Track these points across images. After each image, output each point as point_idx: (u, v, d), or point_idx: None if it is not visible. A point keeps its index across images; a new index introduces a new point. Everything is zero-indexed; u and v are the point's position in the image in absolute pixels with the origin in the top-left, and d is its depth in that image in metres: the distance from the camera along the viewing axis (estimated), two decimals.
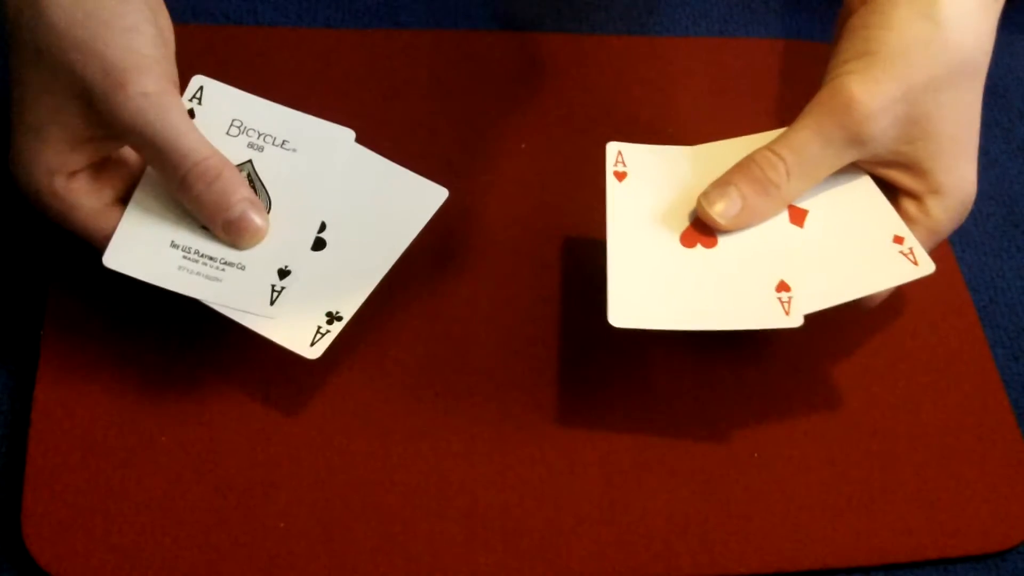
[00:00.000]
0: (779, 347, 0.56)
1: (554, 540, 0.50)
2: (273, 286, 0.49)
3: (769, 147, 0.50)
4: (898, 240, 0.50)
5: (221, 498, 0.49)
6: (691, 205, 0.51)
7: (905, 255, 0.50)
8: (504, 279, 0.57)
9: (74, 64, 0.45)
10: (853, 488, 0.52)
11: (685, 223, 0.51)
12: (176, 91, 0.47)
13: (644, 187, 0.52)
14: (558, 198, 0.60)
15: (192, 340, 0.52)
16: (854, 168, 0.51)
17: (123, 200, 0.49)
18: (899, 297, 0.59)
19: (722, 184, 0.50)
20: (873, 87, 0.48)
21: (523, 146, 0.61)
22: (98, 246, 0.48)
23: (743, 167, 0.51)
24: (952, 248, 0.62)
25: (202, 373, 0.52)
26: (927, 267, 0.50)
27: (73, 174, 0.47)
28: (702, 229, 0.51)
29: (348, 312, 0.49)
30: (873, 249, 0.50)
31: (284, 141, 0.51)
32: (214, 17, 0.64)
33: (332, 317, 0.49)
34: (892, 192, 0.52)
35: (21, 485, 0.48)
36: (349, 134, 0.52)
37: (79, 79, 0.45)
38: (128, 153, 0.49)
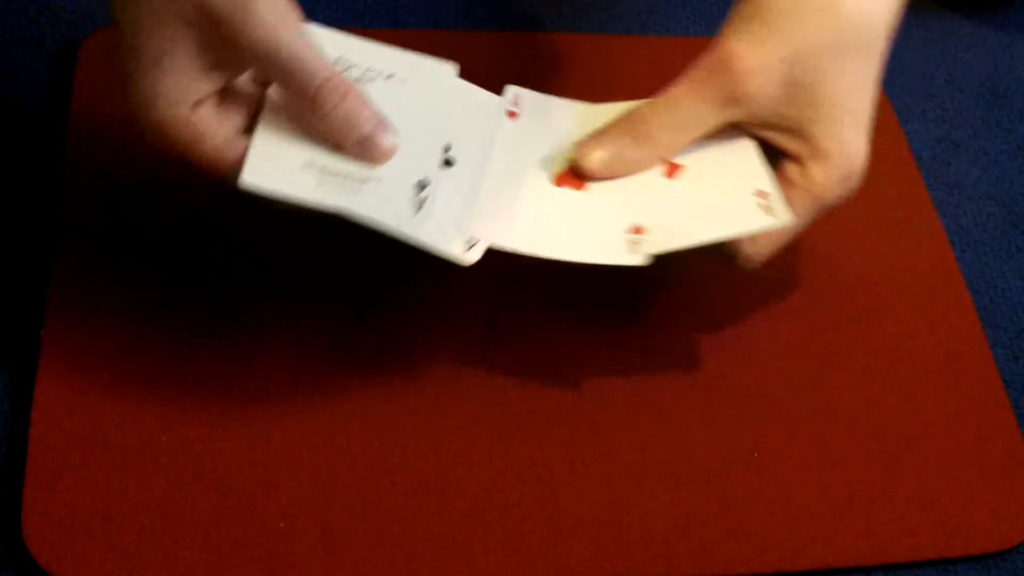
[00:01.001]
0: (779, 347, 0.56)
1: (554, 540, 0.50)
2: (414, 197, 0.49)
3: (647, 102, 0.51)
4: (761, 195, 0.49)
5: (221, 498, 0.49)
6: (571, 154, 0.51)
7: (762, 206, 0.49)
8: (504, 279, 0.57)
9: None
10: (853, 488, 0.52)
11: (562, 168, 0.51)
12: (297, 9, 0.46)
13: (532, 130, 0.52)
14: None
15: (192, 340, 0.52)
16: (737, 130, 0.51)
17: (247, 131, 0.48)
18: (899, 297, 0.59)
19: (599, 134, 0.51)
20: (754, 47, 0.48)
21: None
22: (225, 176, 0.47)
23: (621, 120, 0.51)
24: (952, 248, 0.62)
25: (202, 373, 0.52)
26: (783, 217, 0.49)
27: (198, 104, 0.46)
28: (576, 175, 0.51)
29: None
30: (733, 200, 0.50)
31: (390, 75, 0.51)
32: None
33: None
34: (777, 156, 0.51)
35: (21, 485, 0.48)
36: (452, 67, 0.52)
37: (199, 4, 0.44)
38: (246, 84, 0.48)
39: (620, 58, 0.66)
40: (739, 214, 0.49)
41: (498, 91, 0.63)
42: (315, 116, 0.47)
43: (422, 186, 0.49)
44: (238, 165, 0.46)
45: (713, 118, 0.50)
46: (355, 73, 0.50)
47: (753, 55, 0.48)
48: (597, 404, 0.54)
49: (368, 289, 0.55)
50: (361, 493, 0.50)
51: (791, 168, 0.51)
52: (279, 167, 0.47)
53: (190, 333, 0.53)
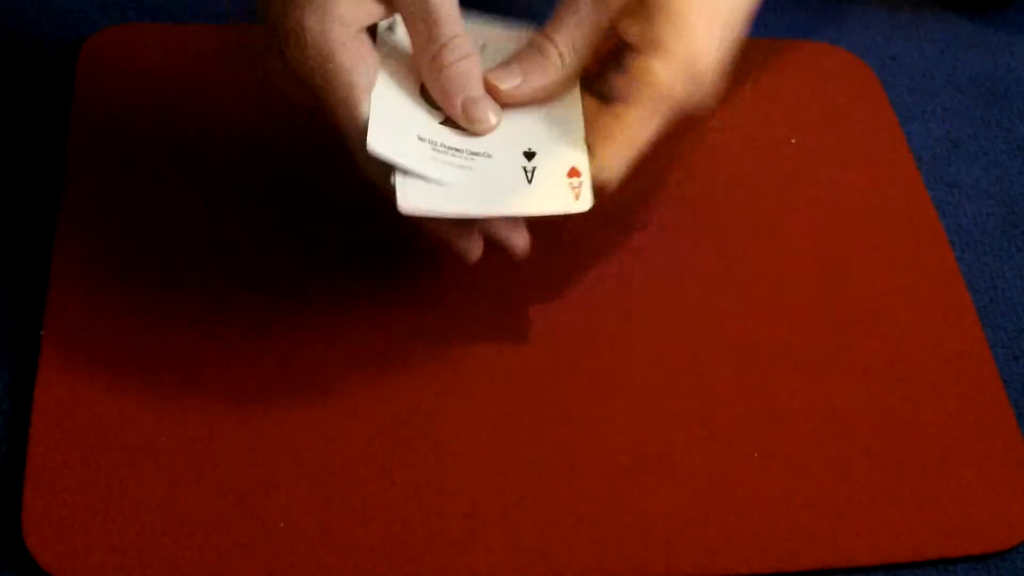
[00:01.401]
0: (779, 347, 0.56)
1: (554, 540, 0.50)
2: (524, 168, 0.49)
3: (540, 32, 0.51)
4: (573, 174, 0.49)
5: (221, 498, 0.49)
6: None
7: (572, 187, 0.49)
8: (504, 278, 0.57)
9: None
10: (853, 488, 0.52)
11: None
12: None
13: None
14: None
15: (192, 340, 0.52)
16: (574, 102, 0.51)
17: None
18: (899, 297, 0.59)
19: (512, 66, 0.50)
20: None
21: None
22: (349, 121, 0.47)
23: (526, 52, 0.50)
24: (952, 248, 0.62)
25: (202, 373, 0.52)
26: (585, 204, 0.48)
27: (360, 30, 0.47)
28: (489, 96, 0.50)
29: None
30: (544, 175, 0.49)
31: (483, 46, 0.51)
32: (215, 17, 0.64)
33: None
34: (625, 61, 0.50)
35: (21, 485, 0.48)
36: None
37: None
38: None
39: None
40: (544, 192, 0.48)
41: None
42: (434, 68, 0.48)
43: (529, 156, 0.49)
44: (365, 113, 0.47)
45: (595, 16, 0.49)
46: None
47: None
48: (597, 404, 0.54)
49: (368, 289, 0.55)
50: (361, 493, 0.50)
51: (635, 62, 0.49)
52: (397, 139, 0.47)
53: (190, 333, 0.53)
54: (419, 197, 0.46)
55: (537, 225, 0.57)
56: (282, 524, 0.48)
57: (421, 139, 0.48)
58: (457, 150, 0.48)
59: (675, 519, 0.51)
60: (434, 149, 0.48)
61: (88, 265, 0.54)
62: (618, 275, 0.58)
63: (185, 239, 0.55)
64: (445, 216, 0.47)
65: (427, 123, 0.48)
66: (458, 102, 0.48)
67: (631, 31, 0.49)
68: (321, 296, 0.55)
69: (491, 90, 0.50)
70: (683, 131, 0.51)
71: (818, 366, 0.56)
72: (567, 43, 0.50)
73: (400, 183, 0.46)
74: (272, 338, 0.53)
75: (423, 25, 0.47)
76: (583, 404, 0.53)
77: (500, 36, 0.52)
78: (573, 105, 0.51)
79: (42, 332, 0.52)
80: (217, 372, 0.52)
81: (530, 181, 0.48)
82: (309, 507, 0.49)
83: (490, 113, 0.49)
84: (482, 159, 0.48)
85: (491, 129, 0.49)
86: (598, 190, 0.49)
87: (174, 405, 0.51)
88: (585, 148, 0.49)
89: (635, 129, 0.49)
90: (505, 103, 0.50)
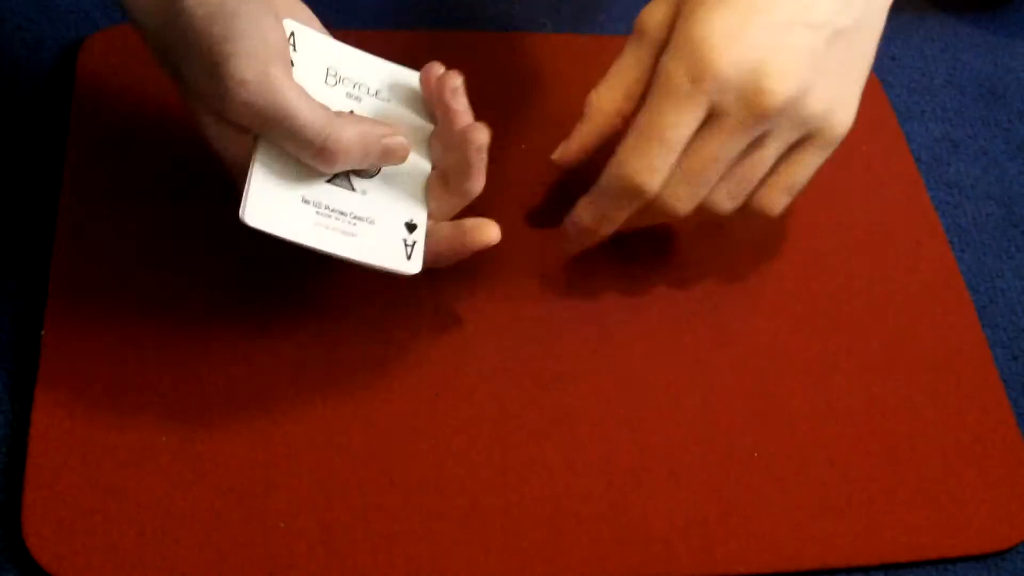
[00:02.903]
0: (779, 347, 0.56)
1: (554, 540, 0.50)
2: (405, 240, 0.50)
3: (598, 86, 0.54)
4: (410, 228, 0.50)
5: (221, 498, 0.49)
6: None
7: (407, 243, 0.50)
8: (504, 279, 0.57)
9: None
10: (853, 488, 0.52)
11: None
12: (279, 60, 0.46)
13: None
14: (558, 198, 0.60)
15: (192, 340, 0.52)
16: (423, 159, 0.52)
17: None
18: (899, 297, 0.59)
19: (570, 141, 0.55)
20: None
21: (523, 146, 0.61)
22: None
23: (589, 122, 0.54)
24: (952, 248, 0.62)
25: (202, 373, 0.52)
26: (414, 266, 0.50)
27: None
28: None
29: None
30: (385, 226, 0.50)
31: (377, 91, 0.52)
32: None
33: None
34: None
35: (21, 485, 0.48)
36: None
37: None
38: None
39: None
40: (381, 244, 0.50)
41: (503, 92, 0.64)
42: (325, 163, 0.48)
43: (411, 228, 0.50)
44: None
45: (630, 60, 0.53)
46: (344, 88, 0.51)
47: (650, 3, 0.52)
48: (597, 404, 0.54)
49: (369, 289, 0.55)
50: (361, 493, 0.50)
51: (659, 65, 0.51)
52: (278, 206, 0.48)
53: (190, 333, 0.53)
54: (262, 216, 0.47)
55: (537, 225, 0.57)
56: (282, 524, 0.48)
57: (306, 201, 0.48)
58: (342, 213, 0.49)
59: (675, 519, 0.51)
60: (318, 213, 0.48)
61: (88, 265, 0.54)
62: (618, 276, 0.58)
63: (185, 239, 0.55)
64: (280, 238, 0.47)
65: (313, 184, 0.49)
66: (371, 162, 0.49)
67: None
68: (321, 296, 0.55)
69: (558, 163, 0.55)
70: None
71: (818, 366, 0.56)
72: (606, 89, 0.53)
73: (251, 196, 0.47)
74: (272, 338, 0.53)
75: (292, 144, 0.47)
76: (583, 404, 0.53)
77: (392, 78, 0.52)
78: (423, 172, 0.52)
79: (42, 332, 0.52)
80: (217, 372, 0.52)
81: (409, 257, 0.50)
82: (309, 507, 0.49)
83: (400, 146, 0.49)
84: (365, 224, 0.49)
85: (407, 153, 0.50)
86: (635, 189, 0.51)
87: (174, 405, 0.51)
88: (425, 216, 0.51)
89: (647, 120, 0.50)
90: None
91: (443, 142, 0.51)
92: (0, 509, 0.48)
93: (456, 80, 0.50)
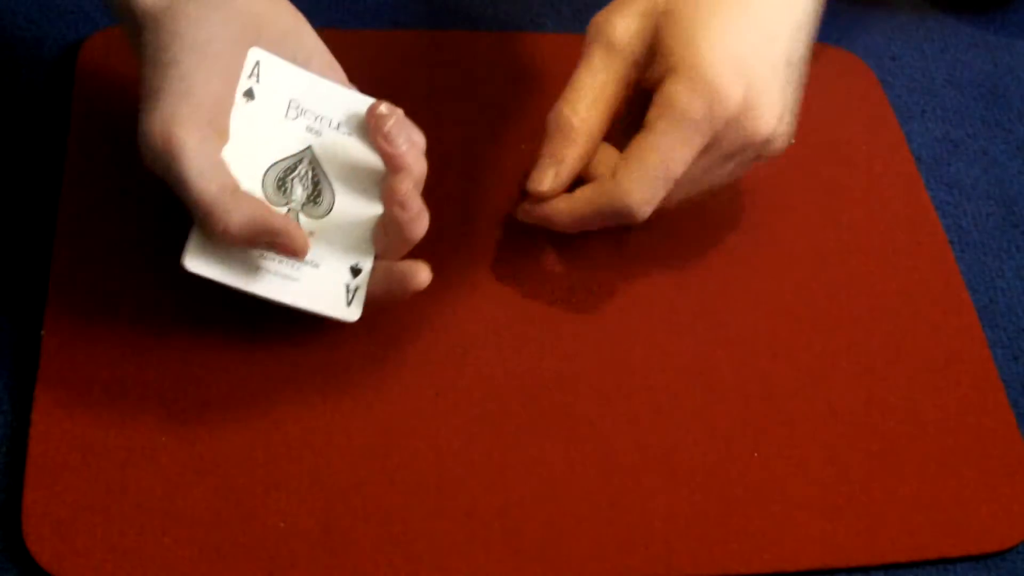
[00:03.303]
0: (779, 347, 0.56)
1: (554, 540, 0.50)
2: (347, 286, 0.50)
3: (558, 101, 0.53)
4: (355, 271, 0.50)
5: (221, 498, 0.49)
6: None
7: (349, 288, 0.50)
8: (504, 279, 0.57)
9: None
10: (853, 488, 0.52)
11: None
12: (192, 121, 0.46)
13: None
14: None
15: (193, 340, 0.52)
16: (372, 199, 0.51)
17: None
18: (899, 297, 0.59)
19: (536, 163, 0.53)
20: (617, 7, 0.52)
21: (523, 146, 0.61)
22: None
23: (546, 133, 0.53)
24: (952, 248, 0.62)
25: (202, 373, 0.52)
26: (354, 313, 0.50)
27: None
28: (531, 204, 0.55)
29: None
30: (327, 271, 0.50)
31: (339, 124, 0.51)
32: None
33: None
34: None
35: (21, 485, 0.48)
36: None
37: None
38: None
39: None
40: (322, 290, 0.50)
41: (503, 92, 0.64)
42: (213, 237, 0.48)
43: (355, 272, 0.50)
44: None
45: (612, 75, 0.52)
46: (306, 121, 0.50)
47: (612, 13, 0.52)
48: (597, 404, 0.54)
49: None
50: (361, 493, 0.50)
51: (656, 92, 0.51)
52: (220, 251, 0.48)
53: (190, 333, 0.53)
54: (203, 262, 0.48)
55: (537, 225, 0.57)
56: (282, 524, 0.48)
57: (246, 250, 0.48)
58: (283, 259, 0.49)
59: (675, 519, 0.51)
60: (262, 256, 0.48)
61: (88, 265, 0.54)
62: (618, 275, 0.58)
63: (185, 239, 0.55)
64: (222, 283, 0.48)
65: None
66: (263, 246, 0.48)
67: (654, 71, 0.51)
68: None
69: (535, 195, 0.53)
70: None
71: (818, 366, 0.56)
72: (585, 109, 0.52)
73: (193, 242, 0.48)
74: (272, 338, 0.53)
75: (187, 207, 0.47)
76: (583, 404, 0.53)
77: (357, 109, 0.51)
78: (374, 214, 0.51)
79: (42, 332, 0.52)
80: (217, 372, 0.52)
81: (349, 304, 0.50)
82: (309, 507, 0.49)
83: (302, 244, 0.48)
84: (308, 268, 0.49)
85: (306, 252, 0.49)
86: (627, 216, 0.51)
87: (174, 405, 0.51)
88: (371, 260, 0.51)
89: (655, 152, 0.50)
90: (550, 197, 0.54)
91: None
92: (0, 509, 0.48)
93: (388, 121, 0.49)
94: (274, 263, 0.49)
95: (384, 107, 0.49)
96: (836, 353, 0.57)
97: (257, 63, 0.49)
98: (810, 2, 0.52)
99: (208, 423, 0.51)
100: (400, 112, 0.49)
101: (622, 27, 0.52)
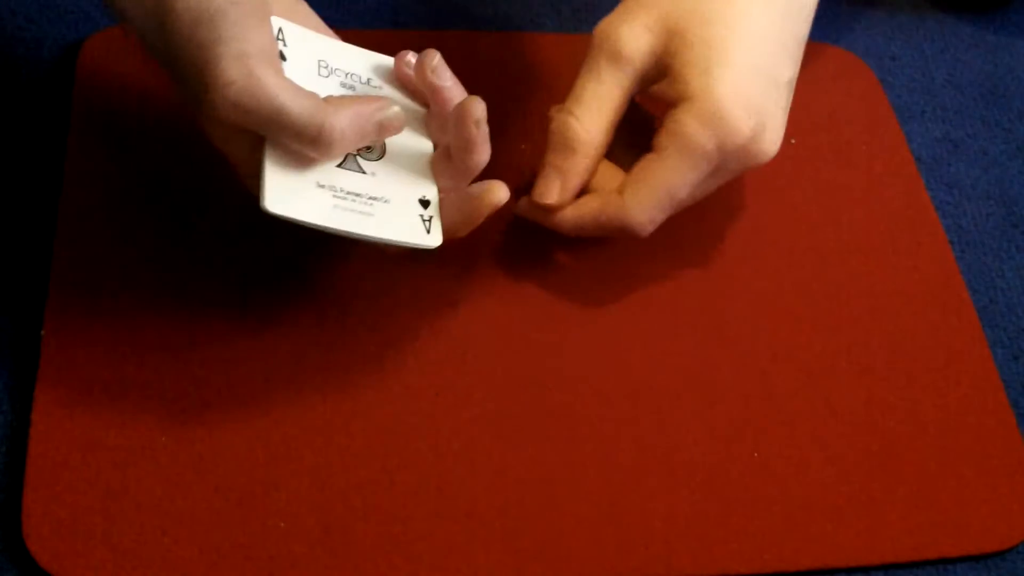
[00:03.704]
0: (779, 347, 0.56)
1: (554, 540, 0.50)
2: (421, 216, 0.50)
3: (559, 107, 0.53)
4: (423, 203, 0.51)
5: (221, 498, 0.49)
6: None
7: (423, 219, 0.50)
8: (504, 279, 0.57)
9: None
10: (853, 488, 0.52)
11: None
12: (264, 59, 0.46)
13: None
14: None
15: (192, 340, 0.52)
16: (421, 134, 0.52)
17: None
18: (899, 297, 0.59)
19: (541, 173, 0.54)
20: (622, 18, 0.52)
21: (523, 146, 0.61)
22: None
23: (550, 143, 0.53)
24: (952, 248, 0.62)
25: (202, 373, 0.52)
26: (434, 239, 0.50)
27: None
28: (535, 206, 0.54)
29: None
30: (400, 202, 0.50)
31: (368, 79, 0.52)
32: None
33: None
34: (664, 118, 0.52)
35: (21, 485, 0.48)
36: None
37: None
38: None
39: None
40: (400, 221, 0.50)
41: (503, 92, 0.64)
42: (325, 153, 0.48)
43: (424, 204, 0.50)
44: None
45: (616, 87, 0.52)
46: (338, 78, 0.51)
47: (620, 21, 0.52)
48: (597, 404, 0.54)
49: (369, 289, 0.55)
50: (361, 493, 0.50)
51: (668, 116, 0.51)
52: (295, 193, 0.48)
53: (190, 333, 0.53)
54: (284, 203, 0.47)
55: (537, 224, 0.57)
56: (282, 524, 0.48)
57: (321, 186, 0.48)
58: (357, 194, 0.49)
59: (675, 519, 0.51)
60: (335, 195, 0.48)
61: (88, 265, 0.54)
62: (618, 275, 0.58)
63: (185, 239, 0.55)
64: (304, 224, 0.48)
65: (326, 168, 0.49)
66: (368, 141, 0.49)
67: (666, 89, 0.51)
68: (321, 296, 0.55)
69: (538, 205, 0.54)
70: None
71: (818, 366, 0.56)
72: (592, 121, 0.53)
73: (269, 184, 0.47)
74: (272, 338, 0.53)
75: (288, 138, 0.47)
76: (583, 404, 0.53)
77: (381, 67, 0.53)
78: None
79: (42, 332, 0.52)
80: (217, 372, 0.52)
81: (429, 232, 0.50)
82: (309, 507, 0.49)
83: (395, 117, 0.49)
84: (380, 204, 0.49)
85: (402, 124, 0.50)
86: (629, 233, 0.52)
87: (174, 405, 0.51)
88: (435, 188, 0.51)
89: (663, 176, 0.51)
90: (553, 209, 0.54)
91: (439, 123, 0.52)
92: (0, 509, 0.48)
93: (434, 58, 0.51)
94: (347, 201, 0.49)
95: (416, 53, 0.52)
96: (836, 353, 0.57)
97: (280, 29, 0.50)
98: (811, 9, 0.53)
99: (208, 423, 0.51)
100: (438, 53, 0.51)
101: (631, 40, 0.52)
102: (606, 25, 0.53)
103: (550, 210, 0.54)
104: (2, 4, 0.64)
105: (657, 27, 0.51)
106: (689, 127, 0.50)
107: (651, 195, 0.52)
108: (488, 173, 0.54)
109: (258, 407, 0.51)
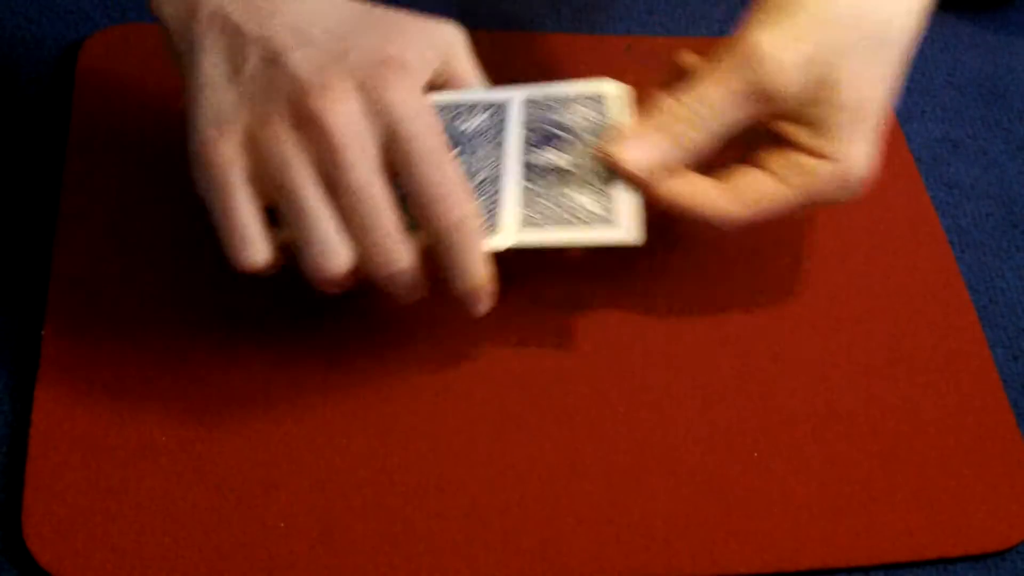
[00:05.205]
0: (779, 347, 0.56)
1: (554, 540, 0.50)
2: (608, 209, 0.48)
3: (675, 99, 0.49)
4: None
5: (221, 498, 0.49)
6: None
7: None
8: (503, 279, 0.57)
9: None
10: (853, 488, 0.53)
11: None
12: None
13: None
14: None
15: (192, 340, 0.52)
16: None
17: None
18: (899, 297, 0.59)
19: (634, 134, 0.49)
20: (780, 41, 0.47)
21: None
22: None
23: (652, 119, 0.49)
24: (952, 248, 0.62)
25: (202, 373, 0.52)
26: (637, 236, 0.48)
27: None
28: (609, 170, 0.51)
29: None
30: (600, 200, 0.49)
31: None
32: None
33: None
34: (782, 144, 0.50)
35: (21, 485, 0.48)
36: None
37: None
38: None
39: (620, 59, 0.66)
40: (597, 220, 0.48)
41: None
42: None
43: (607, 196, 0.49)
44: None
45: (739, 114, 0.49)
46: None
47: (780, 50, 0.47)
48: (597, 403, 0.54)
49: (368, 288, 0.55)
50: (361, 493, 0.50)
51: (801, 157, 0.50)
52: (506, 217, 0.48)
53: (190, 333, 0.53)
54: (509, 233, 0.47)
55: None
56: (282, 524, 0.48)
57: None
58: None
59: (675, 519, 0.51)
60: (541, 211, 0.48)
61: (88, 265, 0.54)
62: (618, 275, 0.58)
63: (185, 239, 0.55)
64: (530, 247, 0.47)
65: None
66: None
67: (797, 134, 0.50)
68: (321, 296, 0.55)
69: (616, 166, 0.48)
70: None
71: (818, 366, 0.56)
72: (703, 127, 0.49)
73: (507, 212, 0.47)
74: (272, 338, 0.53)
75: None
76: (583, 404, 0.53)
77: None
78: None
79: (42, 332, 0.52)
80: (217, 372, 0.52)
81: (609, 219, 0.48)
82: (309, 507, 0.49)
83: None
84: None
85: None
86: (710, 229, 0.50)
87: (174, 405, 0.51)
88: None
89: (771, 200, 0.50)
90: (624, 176, 0.49)
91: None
92: (0, 509, 0.48)
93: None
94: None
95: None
96: (836, 353, 0.57)
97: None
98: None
99: (208, 423, 0.51)
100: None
101: (790, 76, 0.48)
102: (762, 37, 0.48)
103: (622, 173, 0.49)
104: (2, 4, 0.64)
105: (813, 67, 0.48)
106: (822, 182, 0.49)
107: (748, 210, 0.50)
108: None
109: (258, 407, 0.51)
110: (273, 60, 0.45)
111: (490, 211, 0.48)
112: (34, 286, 0.53)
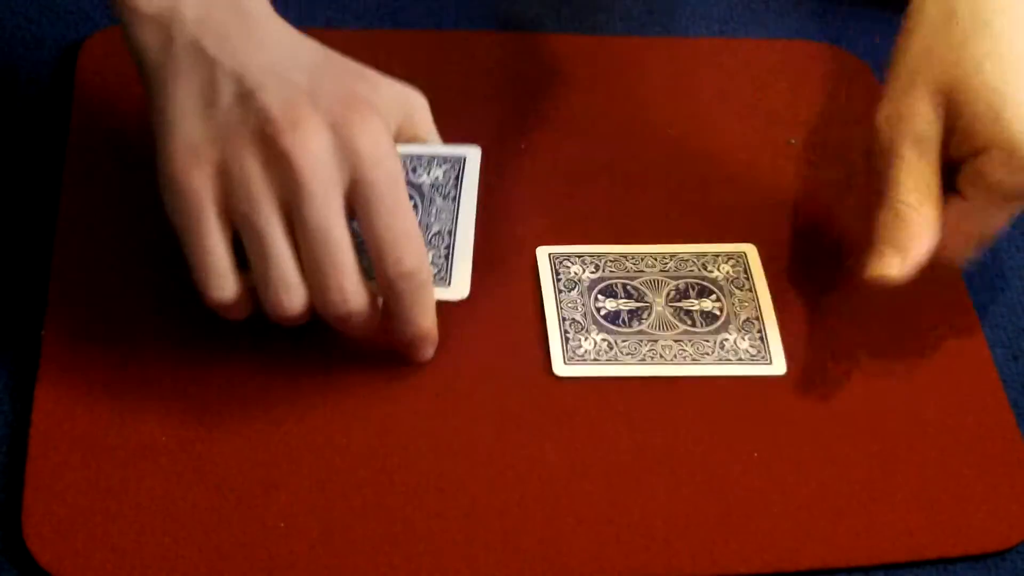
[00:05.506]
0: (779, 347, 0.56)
1: (554, 540, 0.50)
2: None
3: (899, 199, 0.52)
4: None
5: (221, 498, 0.49)
6: None
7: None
8: (503, 279, 0.57)
9: None
10: (853, 488, 0.52)
11: None
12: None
13: None
14: (558, 196, 0.60)
15: (192, 340, 0.52)
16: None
17: None
18: (899, 297, 0.59)
19: (873, 252, 0.52)
20: (898, 87, 0.52)
21: (523, 146, 0.61)
22: None
23: (884, 233, 0.52)
24: None
25: (202, 373, 0.52)
26: (778, 367, 0.55)
27: None
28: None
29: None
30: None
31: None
32: None
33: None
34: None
35: (21, 485, 0.48)
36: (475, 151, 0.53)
37: None
38: None
39: (620, 59, 0.66)
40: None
41: (503, 92, 0.64)
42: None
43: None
44: None
45: (927, 169, 0.51)
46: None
47: (911, 106, 0.51)
48: (597, 404, 0.54)
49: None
50: (361, 493, 0.50)
51: (969, 167, 0.51)
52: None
53: (190, 333, 0.53)
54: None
55: (537, 224, 0.57)
56: (282, 524, 0.48)
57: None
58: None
59: (675, 519, 0.51)
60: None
61: (88, 265, 0.54)
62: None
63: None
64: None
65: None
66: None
67: (957, 149, 0.51)
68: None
69: (875, 280, 0.52)
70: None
71: (817, 366, 0.56)
72: (922, 203, 0.51)
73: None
74: (272, 338, 0.53)
75: None
76: (583, 404, 0.53)
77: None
78: None
79: (42, 332, 0.52)
80: (217, 372, 0.52)
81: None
82: (309, 507, 0.49)
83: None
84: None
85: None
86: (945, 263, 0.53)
87: (174, 405, 0.51)
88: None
89: (977, 222, 0.53)
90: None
91: None
92: (0, 509, 0.48)
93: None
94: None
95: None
96: (836, 353, 0.57)
97: None
98: None
99: (208, 423, 0.51)
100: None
101: (924, 119, 0.51)
102: (892, 110, 0.52)
103: (888, 284, 0.52)
104: (2, 4, 0.64)
105: (939, 96, 0.51)
106: (993, 176, 0.50)
107: (968, 239, 0.53)
108: (491, 172, 0.54)
109: (258, 407, 0.51)
110: (247, 95, 0.45)
111: (441, 264, 0.50)
112: (34, 286, 0.53)
